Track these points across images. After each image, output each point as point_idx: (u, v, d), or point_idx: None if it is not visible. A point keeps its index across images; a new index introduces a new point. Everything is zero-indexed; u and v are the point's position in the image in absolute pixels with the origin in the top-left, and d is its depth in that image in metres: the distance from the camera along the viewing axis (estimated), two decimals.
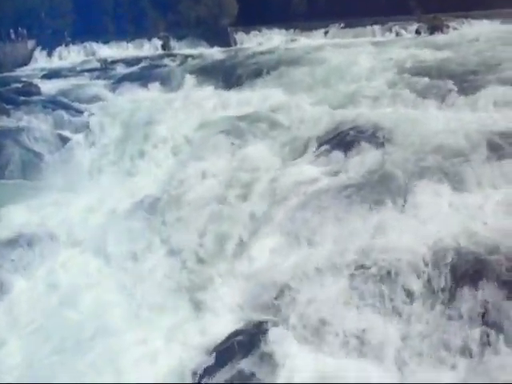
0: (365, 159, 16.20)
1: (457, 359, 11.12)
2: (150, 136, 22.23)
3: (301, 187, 15.93)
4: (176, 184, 18.38)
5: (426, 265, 12.36)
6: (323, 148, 17.52)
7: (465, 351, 11.17)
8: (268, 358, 11.80)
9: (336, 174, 16.14)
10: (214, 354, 12.28)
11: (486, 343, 11.11)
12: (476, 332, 11.26)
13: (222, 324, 13.04)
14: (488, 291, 11.67)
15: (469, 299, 11.68)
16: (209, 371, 11.99)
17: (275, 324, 12.50)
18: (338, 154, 16.89)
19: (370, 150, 16.56)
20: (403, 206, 14.06)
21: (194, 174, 18.41)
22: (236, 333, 12.59)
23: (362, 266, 12.84)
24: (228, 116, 22.17)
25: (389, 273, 12.48)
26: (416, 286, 12.17)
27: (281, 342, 12.06)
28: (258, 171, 17.38)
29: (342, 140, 17.55)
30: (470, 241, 12.51)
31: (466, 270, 12.12)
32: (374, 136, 17.15)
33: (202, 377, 11.94)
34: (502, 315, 11.30)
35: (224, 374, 11.80)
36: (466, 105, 18.57)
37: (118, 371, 12.42)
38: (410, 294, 12.12)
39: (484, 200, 13.63)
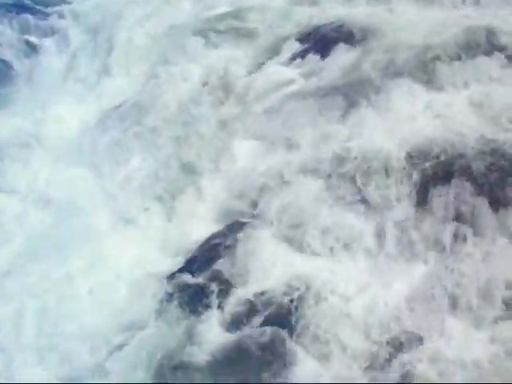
0: (340, 60, 16.04)
1: (428, 254, 11.55)
2: (119, 41, 21.58)
3: (276, 90, 15.85)
4: (150, 89, 18.12)
5: (400, 164, 12.65)
6: (298, 49, 17.25)
7: (437, 246, 11.59)
8: (246, 259, 12.19)
9: (311, 75, 16.02)
10: (192, 256, 12.67)
11: (456, 237, 11.53)
12: (448, 227, 11.67)
13: (202, 227, 13.33)
14: (460, 188, 12.03)
15: (442, 196, 12.05)
16: (185, 272, 12.34)
17: (254, 225, 12.78)
18: (312, 55, 16.66)
19: (345, 50, 16.35)
20: (378, 106, 14.12)
21: (167, 79, 18.13)
22: (214, 235, 12.94)
23: (338, 168, 13.06)
24: (199, 17, 21.54)
25: (364, 173, 12.75)
26: (390, 184, 12.49)
27: (259, 242, 12.40)
28: (232, 74, 17.16)
29: (317, 41, 17.27)
30: (443, 139, 12.76)
31: (439, 168, 12.44)
32: (350, 36, 16.87)
33: (177, 278, 12.35)
34: (474, 212, 11.69)
35: (201, 275, 12.21)
36: (439, 2, 18.25)
37: (99, 274, 12.82)
38: (384, 193, 12.47)
39: (457, 98, 13.74)
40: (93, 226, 14.09)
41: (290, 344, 10.77)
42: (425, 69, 14.60)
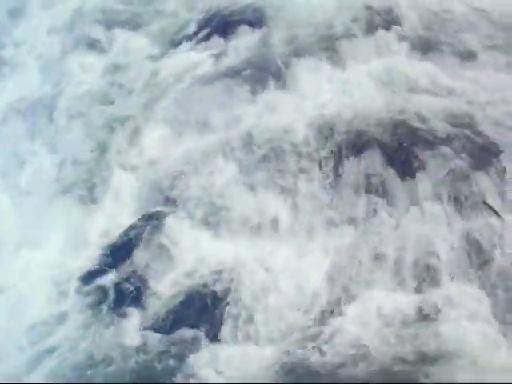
0: (244, 42, 16.02)
1: (344, 227, 11.82)
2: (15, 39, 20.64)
3: (184, 75, 15.68)
4: (54, 82, 17.54)
5: (310, 141, 12.85)
6: (203, 33, 17.11)
7: (351, 219, 11.87)
8: (165, 249, 12.10)
9: (217, 58, 15.94)
10: (107, 252, 12.42)
11: (370, 210, 11.85)
12: (360, 200, 11.98)
13: (117, 220, 13.09)
14: (370, 161, 12.34)
15: (353, 170, 12.32)
16: (100, 270, 12.14)
17: (172, 214, 12.68)
18: (217, 38, 16.57)
19: (249, 32, 16.35)
20: (285, 85, 14.24)
21: (70, 70, 17.58)
22: (130, 228, 12.73)
23: (251, 148, 13.12)
24: (100, 7, 20.88)
25: (276, 152, 12.87)
26: (302, 162, 12.68)
27: (177, 231, 12.31)
28: (138, 62, 16.84)
29: (220, 24, 17.15)
30: (349, 114, 13.02)
31: (349, 143, 12.68)
32: (253, 18, 16.86)
33: (91, 277, 12.09)
34: (384, 183, 12.05)
35: (117, 272, 12.03)
36: None
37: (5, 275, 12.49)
38: (296, 171, 12.64)
39: (359, 73, 14.02)
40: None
41: (211, 336, 10.84)
42: (327, 46, 14.81)
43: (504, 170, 11.67)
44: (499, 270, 10.72)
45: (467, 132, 12.32)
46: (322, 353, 10.29)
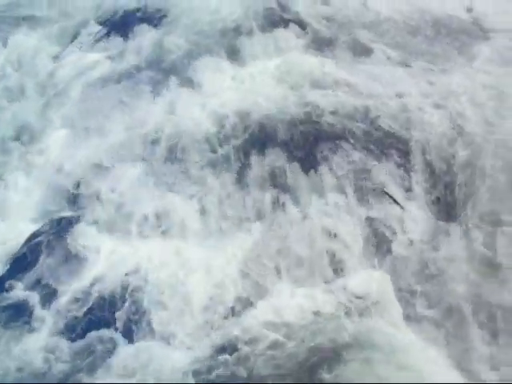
0: (144, 41, 15.85)
1: (252, 223, 11.92)
2: None
3: (83, 75, 15.31)
4: None
5: (215, 137, 12.93)
6: (100, 33, 16.76)
7: (259, 214, 12.01)
8: (72, 254, 11.79)
9: (117, 58, 15.67)
10: (11, 262, 11.87)
11: (276, 205, 12.04)
12: (267, 196, 12.13)
13: (19, 228, 12.57)
14: (274, 157, 12.55)
15: (257, 166, 12.48)
16: (3, 283, 11.58)
17: (78, 218, 12.37)
18: (115, 38, 16.30)
19: (149, 31, 16.20)
20: (187, 84, 14.20)
21: None
22: (34, 235, 12.27)
23: (156, 148, 13.02)
24: None
25: (181, 151, 12.83)
26: (207, 158, 12.73)
27: (85, 235, 12.03)
28: (35, 62, 16.25)
29: (118, 23, 16.90)
30: (252, 111, 13.17)
31: (252, 139, 12.84)
32: (152, 16, 16.73)
33: None
34: (289, 177, 12.28)
35: (21, 284, 11.58)
36: None
37: None
38: (202, 170, 12.65)
39: (260, 70, 14.19)
40: None
41: (124, 338, 10.68)
42: (228, 44, 14.92)
43: (401, 161, 12.17)
44: (402, 257, 11.12)
45: (365, 125, 12.75)
46: (236, 350, 10.33)
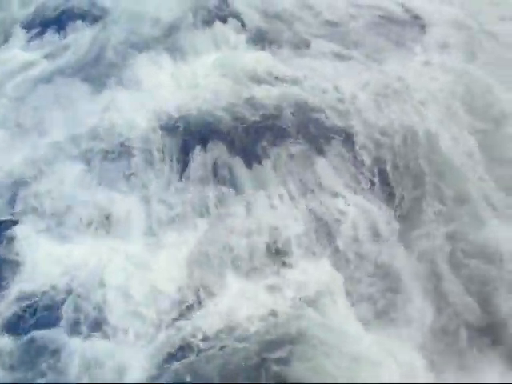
0: (81, 39, 15.60)
1: (197, 219, 11.83)
2: None
3: (16, 75, 14.95)
4: None
5: (156, 134, 12.82)
6: (34, 31, 16.39)
7: (203, 210, 11.94)
8: (12, 256, 11.51)
9: (53, 56, 15.35)
10: None
11: (220, 200, 12.01)
12: (210, 191, 12.09)
13: None
14: (216, 152, 12.54)
15: (200, 162, 12.42)
16: None
17: (15, 219, 12.08)
18: (52, 36, 15.97)
19: (86, 28, 15.94)
20: (126, 81, 14.05)
21: None
22: None
23: (95, 147, 12.83)
24: None
25: (122, 147, 12.70)
26: (149, 155, 12.61)
27: (24, 237, 11.75)
28: None
29: (54, 20, 16.55)
30: (193, 106, 13.14)
31: (194, 135, 12.81)
32: (90, 13, 16.47)
33: None
34: (232, 172, 12.28)
35: None
36: None
37: None
38: (144, 166, 12.53)
39: (200, 65, 14.16)
40: None
41: (67, 338, 10.43)
42: (167, 40, 14.84)
43: (343, 153, 12.32)
44: (346, 249, 11.23)
45: (306, 118, 12.87)
46: (184, 349, 10.25)
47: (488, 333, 10.06)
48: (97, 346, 10.38)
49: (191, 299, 10.93)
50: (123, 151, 12.68)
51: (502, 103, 12.25)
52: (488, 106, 12.31)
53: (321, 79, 13.43)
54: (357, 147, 12.32)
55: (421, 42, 14.00)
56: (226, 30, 14.82)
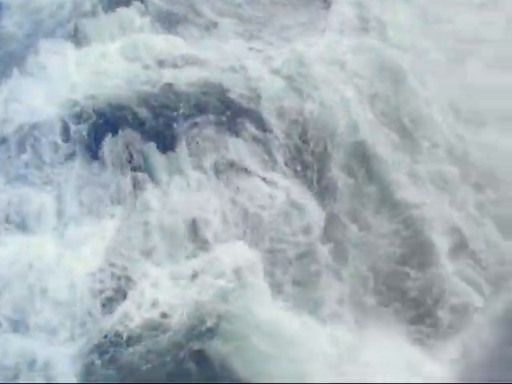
0: None
1: (114, 208, 11.70)
2: None
3: None
4: None
5: (65, 124, 12.46)
6: None
7: (120, 198, 11.79)
8: None
9: None
10: None
11: (136, 187, 11.84)
12: (126, 178, 11.93)
13: None
14: (130, 138, 12.33)
15: (113, 149, 12.20)
16: None
17: None
18: None
19: None
20: (30, 70, 13.58)
21: None
22: None
23: (4, 140, 12.50)
24: None
25: (31, 139, 12.32)
26: (59, 146, 12.29)
27: None
28: None
29: None
30: (100, 93, 12.81)
31: (105, 122, 12.55)
32: None
33: None
34: (146, 158, 12.11)
35: None
36: None
37: None
38: (55, 156, 12.23)
39: (107, 51, 13.81)
40: None
41: None
42: (70, 27, 14.39)
43: (257, 133, 12.34)
44: (266, 228, 11.29)
45: (217, 100, 12.81)
46: (112, 342, 10.21)
47: (396, 301, 10.46)
48: (19, 344, 10.13)
49: (112, 290, 10.81)
50: (33, 143, 12.29)
51: (408, 78, 12.57)
52: (396, 84, 12.63)
53: (230, 60, 13.37)
54: (269, 126, 12.37)
55: (326, 21, 14.14)
56: (131, 14, 14.50)
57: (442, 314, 10.22)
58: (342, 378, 9.38)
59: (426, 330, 10.18)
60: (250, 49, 13.64)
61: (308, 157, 12.03)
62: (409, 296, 10.50)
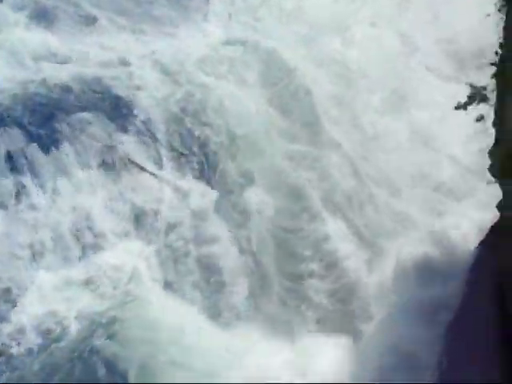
0: None
1: None
2: None
3: None
4: None
5: None
6: None
7: (1, 204, 11.29)
8: None
9: None
10: None
11: (19, 191, 11.36)
12: (7, 182, 11.42)
13: None
14: (9, 140, 11.80)
15: None
16: None
17: None
18: None
19: None
20: None
21: None
22: None
23: None
24: None
25: None
26: None
27: None
28: None
29: None
30: None
31: None
32: None
33: None
34: (29, 159, 11.67)
35: None
36: None
37: None
38: None
39: None
40: None
41: None
42: None
43: (142, 128, 12.08)
44: (161, 226, 11.15)
45: (98, 95, 12.49)
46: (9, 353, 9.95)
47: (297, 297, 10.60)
48: None
49: (3, 300, 10.37)
50: None
51: (287, 63, 12.74)
52: (275, 70, 12.80)
53: (110, 54, 13.04)
54: (153, 120, 12.19)
55: (205, 13, 14.11)
56: (3, 10, 13.84)
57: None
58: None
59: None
60: (132, 42, 13.38)
61: (194, 148, 11.95)
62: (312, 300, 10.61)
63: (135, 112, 12.26)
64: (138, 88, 12.48)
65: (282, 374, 9.48)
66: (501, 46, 7.47)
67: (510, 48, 7.39)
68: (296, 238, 10.91)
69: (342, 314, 10.27)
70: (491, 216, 9.34)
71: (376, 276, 10.40)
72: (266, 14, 13.80)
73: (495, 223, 9.41)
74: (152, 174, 11.68)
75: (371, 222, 10.88)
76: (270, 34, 13.27)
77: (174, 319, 10.17)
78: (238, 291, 10.52)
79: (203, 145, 11.91)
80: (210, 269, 10.70)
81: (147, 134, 12.07)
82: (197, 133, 12.01)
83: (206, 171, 11.70)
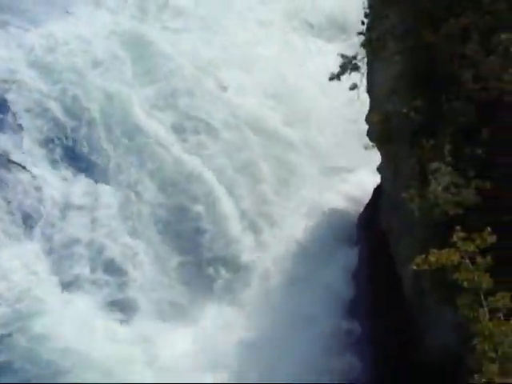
0: None
1: None
2: None
3: None
4: None
5: None
6: None
7: None
8: None
9: None
10: None
11: None
12: None
13: None
14: None
15: None
16: None
17: None
18: None
19: None
20: None
21: None
22: None
23: None
24: None
25: None
26: None
27: None
28: None
29: None
30: None
31: None
32: None
33: None
34: None
35: None
36: None
37: None
38: None
39: None
40: None
41: None
42: None
43: (14, 126, 11.59)
44: (50, 227, 10.93)
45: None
46: None
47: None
48: None
49: None
50: None
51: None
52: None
53: None
54: (26, 116, 11.74)
55: (74, 2, 13.69)
56: None
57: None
58: None
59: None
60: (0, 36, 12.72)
61: (75, 142, 11.70)
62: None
63: (10, 109, 11.79)
64: (11, 83, 11.97)
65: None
66: (366, 15, 7.78)
67: (375, 17, 7.68)
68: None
69: None
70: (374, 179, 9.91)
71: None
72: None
73: (378, 185, 9.94)
74: (31, 173, 11.25)
75: None
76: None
77: (72, 317, 10.06)
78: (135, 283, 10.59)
79: (80, 137, 11.70)
80: (105, 264, 10.64)
81: (19, 131, 11.64)
82: (71, 125, 11.78)
83: (88, 164, 11.54)
